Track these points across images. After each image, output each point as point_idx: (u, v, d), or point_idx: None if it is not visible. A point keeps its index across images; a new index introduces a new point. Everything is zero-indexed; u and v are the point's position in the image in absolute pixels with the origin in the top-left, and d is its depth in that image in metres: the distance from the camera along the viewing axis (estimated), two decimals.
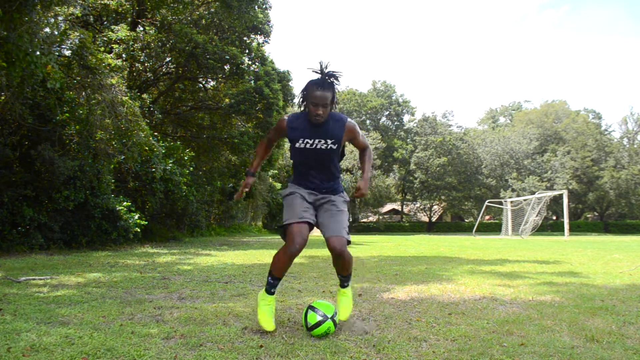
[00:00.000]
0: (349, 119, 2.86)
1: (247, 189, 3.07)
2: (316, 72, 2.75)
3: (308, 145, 2.81)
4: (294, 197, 2.88)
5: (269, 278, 2.83)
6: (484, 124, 59.91)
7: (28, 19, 6.47)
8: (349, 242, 2.82)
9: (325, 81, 2.71)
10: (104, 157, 10.07)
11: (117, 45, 12.73)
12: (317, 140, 2.80)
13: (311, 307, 2.73)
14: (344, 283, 3.05)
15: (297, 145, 2.83)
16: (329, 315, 2.67)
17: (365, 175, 2.94)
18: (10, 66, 6.46)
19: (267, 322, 2.72)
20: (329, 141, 2.80)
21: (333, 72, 2.73)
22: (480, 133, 50.28)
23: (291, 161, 3.00)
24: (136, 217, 10.99)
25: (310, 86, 2.71)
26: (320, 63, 2.74)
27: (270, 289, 2.82)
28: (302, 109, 2.85)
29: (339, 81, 2.76)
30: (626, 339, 2.58)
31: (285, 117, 2.89)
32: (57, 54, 8.72)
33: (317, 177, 2.89)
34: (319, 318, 2.64)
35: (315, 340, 2.54)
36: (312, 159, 2.85)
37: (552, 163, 41.13)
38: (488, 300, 3.85)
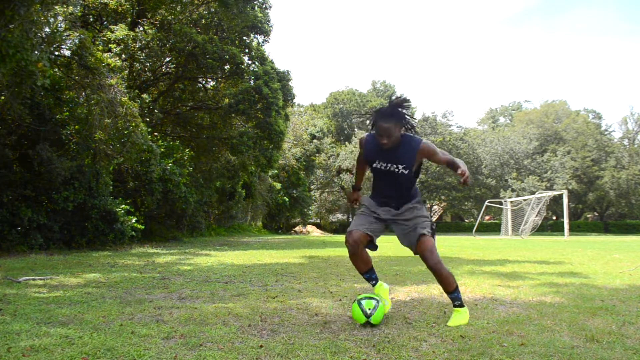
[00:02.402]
0: (423, 142, 2.91)
1: (355, 204, 3.30)
2: (385, 105, 2.87)
3: (382, 167, 2.96)
4: (361, 214, 3.11)
5: (363, 276, 3.22)
6: (484, 124, 59.89)
7: (21, 17, 6.47)
8: (433, 234, 2.98)
9: (389, 112, 2.81)
10: (103, 158, 10.07)
11: (114, 45, 12.71)
12: (389, 164, 2.94)
13: (359, 301, 2.94)
14: (454, 302, 3.02)
15: (374, 165, 3.00)
16: (378, 299, 2.95)
17: (459, 168, 2.85)
18: (0, 62, 6.46)
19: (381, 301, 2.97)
20: (400, 166, 2.92)
21: (399, 102, 2.83)
22: (480, 133, 50.25)
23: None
24: (133, 220, 10.99)
25: (376, 117, 2.83)
26: (394, 93, 2.86)
27: (371, 283, 3.22)
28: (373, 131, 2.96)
29: (406, 111, 2.85)
30: (626, 339, 2.58)
31: (364, 137, 3.04)
32: (50, 52, 8.70)
33: (393, 196, 3.05)
34: (374, 302, 2.90)
35: (315, 340, 2.54)
36: (387, 180, 3.01)
37: (552, 163, 41.12)
38: (488, 300, 3.85)
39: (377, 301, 2.92)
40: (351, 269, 6.27)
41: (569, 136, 42.74)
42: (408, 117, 2.88)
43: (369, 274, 3.18)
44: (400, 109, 2.84)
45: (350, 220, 43.80)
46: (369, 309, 2.87)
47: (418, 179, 3.20)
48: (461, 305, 3.00)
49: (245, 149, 15.79)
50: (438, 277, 2.97)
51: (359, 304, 2.91)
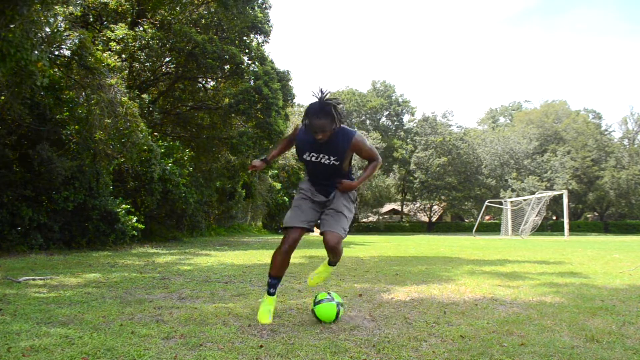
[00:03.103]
0: (356, 134, 2.96)
1: (254, 169, 3.20)
2: (315, 97, 2.82)
3: (313, 159, 2.99)
4: (301, 199, 3.11)
5: (268, 278, 3.09)
6: (484, 124, 59.88)
7: (21, 16, 6.47)
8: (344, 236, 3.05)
9: (322, 109, 2.79)
10: (103, 158, 10.07)
11: (114, 44, 12.71)
12: (321, 155, 2.96)
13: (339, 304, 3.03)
14: (331, 262, 3.31)
15: (303, 156, 3.02)
16: (337, 301, 3.02)
17: (360, 179, 3.10)
18: (0, 61, 6.46)
19: (264, 317, 2.96)
20: (332, 158, 2.95)
21: (330, 100, 2.81)
22: (480, 133, 50.23)
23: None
24: (134, 220, 10.99)
25: (309, 114, 2.81)
26: (320, 90, 2.83)
27: (269, 289, 3.08)
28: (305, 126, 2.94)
29: (335, 109, 2.82)
30: (626, 339, 2.58)
31: (300, 126, 3.03)
32: (50, 52, 8.71)
33: (324, 185, 3.09)
34: (327, 297, 3.00)
35: (315, 340, 2.54)
36: (318, 171, 3.04)
37: (552, 163, 41.10)
38: (488, 300, 3.85)
39: (331, 299, 3.01)
40: (351, 269, 6.27)
41: (569, 136, 42.73)
42: (338, 113, 2.84)
43: (277, 281, 3.08)
44: (329, 105, 2.81)
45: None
46: (319, 299, 3.01)
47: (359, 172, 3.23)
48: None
49: (245, 149, 15.78)
50: (332, 258, 3.19)
51: (319, 303, 3.00)
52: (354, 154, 3.03)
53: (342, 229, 3.01)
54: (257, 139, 16.08)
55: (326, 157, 2.95)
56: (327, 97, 2.82)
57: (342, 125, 2.91)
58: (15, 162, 9.39)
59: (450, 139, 43.74)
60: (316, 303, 3.00)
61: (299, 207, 3.08)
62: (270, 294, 3.06)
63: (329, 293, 3.06)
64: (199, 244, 13.04)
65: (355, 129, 3.04)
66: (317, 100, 2.81)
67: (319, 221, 3.12)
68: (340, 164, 2.98)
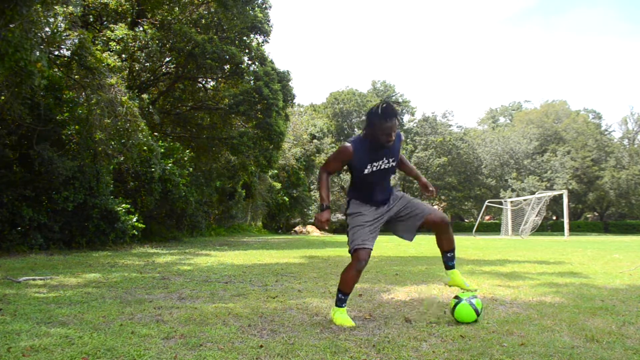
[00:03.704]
0: (401, 133, 3.10)
1: (327, 222, 3.04)
2: (381, 105, 2.89)
3: (374, 169, 3.02)
4: (360, 219, 3.06)
5: (339, 294, 3.05)
6: (484, 124, 59.88)
7: (21, 16, 6.48)
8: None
9: (391, 111, 2.88)
10: (103, 158, 10.07)
11: (114, 44, 12.71)
12: (381, 162, 3.02)
13: (469, 301, 2.99)
14: (449, 263, 3.25)
15: (366, 171, 3.01)
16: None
17: (421, 176, 3.34)
18: (0, 61, 6.47)
19: (347, 321, 2.96)
20: (391, 160, 3.04)
21: (394, 101, 2.99)
22: (480, 133, 50.25)
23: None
24: (134, 219, 10.99)
25: (378, 120, 2.87)
26: (385, 97, 2.93)
27: (341, 304, 3.05)
28: (363, 134, 3.00)
29: (400, 106, 2.97)
30: (626, 339, 2.58)
31: (348, 145, 3.00)
32: (50, 52, 8.70)
33: (381, 193, 3.10)
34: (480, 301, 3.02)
35: (315, 340, 2.54)
36: (378, 179, 3.06)
37: (552, 163, 41.11)
38: (488, 300, 3.85)
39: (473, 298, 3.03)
40: None
41: (569, 136, 42.74)
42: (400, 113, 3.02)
43: (348, 296, 3.10)
44: (393, 105, 2.93)
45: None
46: (479, 307, 2.99)
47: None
48: (454, 267, 3.27)
49: (245, 149, 15.79)
50: (447, 236, 3.16)
51: (471, 304, 2.97)
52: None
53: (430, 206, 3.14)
54: (257, 139, 16.09)
55: (385, 160, 3.02)
56: (390, 101, 2.94)
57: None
58: (15, 162, 9.39)
59: (450, 139, 43.75)
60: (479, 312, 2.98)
61: (363, 226, 3.04)
62: (341, 307, 3.04)
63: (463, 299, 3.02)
64: (199, 244, 13.03)
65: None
66: (384, 104, 2.87)
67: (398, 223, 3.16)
68: (396, 165, 3.10)
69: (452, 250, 3.23)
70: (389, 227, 3.17)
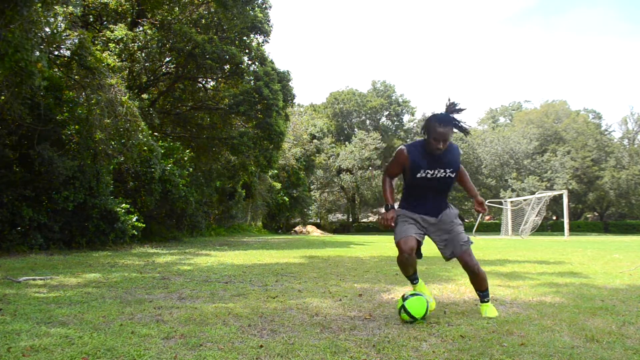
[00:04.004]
0: (459, 147, 3.14)
1: (392, 223, 3.13)
2: (440, 112, 2.91)
3: (429, 175, 3.01)
4: (404, 217, 3.16)
5: (408, 278, 3.36)
6: (484, 124, 59.84)
7: (21, 16, 6.48)
8: (470, 243, 3.15)
9: (446, 118, 2.87)
10: (103, 158, 10.07)
11: (113, 45, 12.71)
12: (436, 171, 3.00)
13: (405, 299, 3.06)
14: (483, 299, 3.26)
15: (418, 175, 3.01)
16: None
17: (475, 191, 3.33)
18: (0, 61, 6.47)
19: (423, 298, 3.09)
20: (448, 170, 3.02)
21: (456, 108, 2.92)
22: (480, 133, 50.23)
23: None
24: (134, 219, 10.99)
25: (433, 122, 2.88)
26: (447, 100, 2.93)
27: (413, 282, 3.39)
28: (421, 137, 3.03)
29: (460, 115, 2.94)
30: (626, 339, 2.58)
31: (404, 148, 3.05)
32: (50, 52, 8.70)
33: (432, 202, 3.11)
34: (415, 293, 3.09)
35: (315, 340, 2.54)
36: (432, 187, 3.06)
37: (552, 163, 41.11)
38: None
39: (420, 294, 3.09)
40: (351, 269, 6.27)
41: (569, 136, 42.73)
42: (463, 122, 2.96)
43: (414, 276, 3.32)
44: (455, 114, 2.93)
45: (351, 220, 43.66)
46: (407, 295, 3.06)
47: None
48: (488, 301, 3.26)
49: (245, 149, 15.78)
50: (475, 278, 3.18)
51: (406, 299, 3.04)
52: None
53: (465, 244, 3.11)
54: (258, 139, 16.09)
55: (442, 170, 3.00)
56: (453, 107, 2.91)
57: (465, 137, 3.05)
58: (16, 162, 9.39)
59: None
60: (405, 298, 3.04)
61: (404, 225, 3.12)
62: (415, 283, 3.35)
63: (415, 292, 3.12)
64: (199, 244, 13.03)
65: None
66: (443, 112, 2.90)
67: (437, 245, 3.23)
68: (455, 177, 3.06)
69: (481, 290, 3.23)
70: (433, 236, 3.23)
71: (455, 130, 2.95)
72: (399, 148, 3.11)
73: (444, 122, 2.87)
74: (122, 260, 7.46)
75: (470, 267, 3.12)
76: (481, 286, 3.21)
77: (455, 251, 3.12)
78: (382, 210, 3.21)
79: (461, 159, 3.18)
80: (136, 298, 3.82)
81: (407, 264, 3.12)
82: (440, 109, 2.97)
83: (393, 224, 3.10)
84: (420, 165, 3.00)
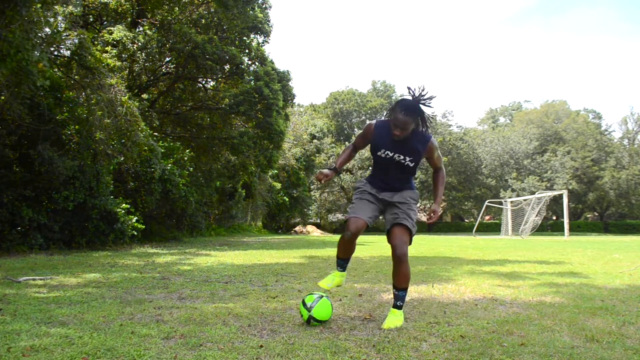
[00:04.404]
0: (432, 138, 2.97)
1: (325, 179, 3.02)
2: (408, 97, 2.81)
3: (387, 156, 2.95)
4: (361, 196, 3.09)
5: (337, 260, 3.24)
6: (484, 124, 59.86)
7: (21, 17, 6.48)
8: (411, 241, 2.97)
9: (411, 107, 2.78)
10: (104, 158, 10.07)
11: (110, 48, 12.70)
12: (396, 154, 2.93)
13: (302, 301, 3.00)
14: (396, 301, 2.98)
15: (378, 153, 2.98)
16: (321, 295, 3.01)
17: (438, 200, 3.09)
18: (1, 62, 6.46)
19: (324, 283, 3.22)
20: (407, 158, 2.94)
21: (424, 98, 2.81)
22: (480, 133, 50.23)
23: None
24: (134, 219, 10.98)
25: (398, 107, 2.80)
26: (417, 87, 2.82)
27: (337, 267, 3.27)
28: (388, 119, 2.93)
29: (429, 108, 2.85)
30: (626, 339, 2.58)
31: (373, 123, 3.02)
32: (50, 52, 8.70)
33: (391, 183, 3.05)
34: (315, 297, 2.98)
35: (315, 340, 2.54)
36: (390, 169, 3.01)
37: (552, 163, 41.10)
38: (488, 300, 3.85)
39: (320, 296, 2.97)
40: (351, 269, 6.27)
41: (569, 136, 42.74)
42: (427, 116, 2.88)
43: (345, 261, 3.23)
44: (422, 106, 2.84)
45: None
46: (310, 302, 2.93)
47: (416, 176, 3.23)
48: (400, 307, 2.97)
49: (246, 149, 15.78)
50: (397, 269, 2.92)
51: (303, 303, 2.98)
52: (425, 159, 3.07)
53: (411, 223, 2.94)
54: (258, 139, 16.08)
55: (401, 156, 2.94)
56: (424, 97, 2.81)
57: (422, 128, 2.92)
58: (16, 162, 9.38)
59: (450, 139, 43.72)
60: (309, 308, 2.90)
61: (360, 200, 3.06)
62: (339, 270, 3.24)
63: (311, 293, 3.03)
64: (199, 244, 13.03)
65: (431, 134, 2.99)
66: (412, 97, 2.81)
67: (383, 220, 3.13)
68: (414, 166, 2.99)
69: (397, 288, 2.97)
70: (386, 212, 3.11)
71: (417, 121, 2.83)
72: (369, 122, 3.08)
73: (406, 110, 2.77)
74: (122, 260, 7.46)
75: (396, 249, 2.86)
76: (401, 282, 2.93)
77: (391, 219, 2.98)
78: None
79: (439, 153, 3.05)
80: (136, 298, 3.82)
81: (349, 243, 3.05)
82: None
83: (323, 181, 3.01)
84: (382, 143, 2.95)
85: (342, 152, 3.21)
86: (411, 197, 3.05)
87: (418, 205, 3.21)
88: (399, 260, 2.89)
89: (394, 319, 2.90)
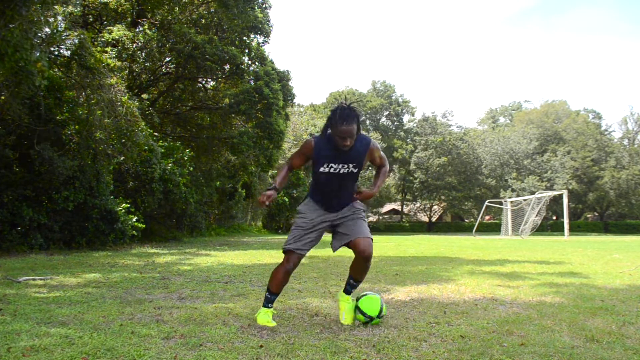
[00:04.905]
0: (372, 141, 2.97)
1: (268, 200, 2.92)
2: (341, 106, 2.80)
3: (332, 170, 2.91)
4: (303, 221, 3.02)
5: (267, 293, 3.02)
6: (484, 124, 59.88)
7: (21, 16, 6.47)
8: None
9: (349, 113, 2.77)
10: (104, 157, 10.07)
11: (110, 48, 12.70)
12: (340, 165, 2.90)
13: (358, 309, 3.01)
14: (350, 289, 3.12)
15: (321, 169, 2.92)
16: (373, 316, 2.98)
17: (375, 186, 3.04)
18: (0, 61, 6.46)
19: (268, 322, 2.91)
20: (351, 165, 2.91)
21: (354, 106, 2.84)
22: (480, 133, 50.24)
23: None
24: (134, 219, 10.98)
25: (336, 121, 2.77)
26: (345, 97, 2.83)
27: (266, 304, 2.99)
28: (327, 134, 2.90)
29: (361, 113, 2.86)
30: (626, 339, 2.58)
31: (312, 140, 2.96)
32: (50, 52, 8.69)
33: (337, 198, 3.01)
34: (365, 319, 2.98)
35: (315, 340, 2.54)
36: (335, 183, 2.96)
37: (552, 163, 41.11)
38: (488, 300, 3.85)
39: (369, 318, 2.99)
40: None
41: (569, 136, 42.74)
42: (361, 116, 2.89)
43: (277, 296, 3.06)
44: (355, 110, 2.81)
45: None
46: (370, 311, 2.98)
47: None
48: (348, 293, 3.12)
49: (245, 148, 15.78)
50: (364, 267, 3.01)
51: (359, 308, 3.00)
52: (369, 161, 3.03)
53: (368, 232, 2.98)
54: (258, 139, 16.09)
55: (345, 165, 2.90)
56: (351, 103, 2.84)
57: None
58: (15, 162, 9.38)
59: (450, 139, 43.73)
60: (359, 298, 3.04)
61: (302, 229, 3.00)
62: (268, 307, 2.99)
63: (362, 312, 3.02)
64: (199, 244, 13.03)
65: (369, 136, 3.00)
66: (343, 106, 2.78)
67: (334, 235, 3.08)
68: (357, 172, 2.95)
69: (359, 281, 3.12)
70: (334, 230, 3.07)
71: (358, 124, 2.81)
72: (307, 139, 3.04)
73: (347, 118, 2.73)
74: (122, 260, 7.45)
75: (366, 253, 2.91)
76: (361, 275, 3.07)
77: (352, 235, 2.94)
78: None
79: (381, 152, 3.03)
80: (136, 298, 3.82)
81: (283, 278, 2.98)
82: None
83: (267, 203, 2.90)
84: (325, 157, 2.89)
85: (279, 173, 3.08)
86: (359, 207, 3.06)
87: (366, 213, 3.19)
88: (367, 260, 2.97)
89: (347, 305, 3.06)
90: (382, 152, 3.07)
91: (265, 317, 2.92)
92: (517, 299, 3.90)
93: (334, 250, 3.07)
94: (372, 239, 2.97)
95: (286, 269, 2.96)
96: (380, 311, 2.96)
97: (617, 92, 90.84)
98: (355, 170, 2.93)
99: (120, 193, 12.08)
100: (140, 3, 14.42)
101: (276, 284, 2.99)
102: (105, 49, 12.62)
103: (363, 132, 2.95)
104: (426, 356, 2.28)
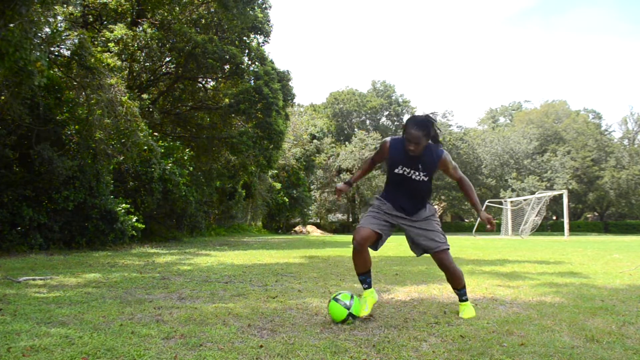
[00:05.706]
0: (444, 152, 3.09)
1: (340, 193, 3.30)
2: (418, 114, 3.01)
3: (406, 173, 3.06)
4: (372, 210, 3.18)
5: (358, 277, 3.23)
6: (484, 124, 59.83)
7: (21, 16, 6.47)
8: (447, 248, 3.15)
9: (421, 121, 2.93)
10: (103, 158, 10.07)
11: (112, 44, 12.70)
12: (412, 171, 3.05)
13: (335, 298, 3.03)
14: (461, 297, 3.26)
15: (395, 170, 3.08)
16: (352, 294, 3.06)
17: (477, 206, 3.23)
18: (0, 61, 6.46)
19: (361, 311, 3.05)
20: (422, 173, 3.05)
21: (432, 116, 3.00)
22: (480, 133, 50.22)
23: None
24: (134, 219, 10.99)
25: (409, 122, 2.95)
26: (432, 112, 3.04)
27: (362, 285, 3.21)
28: (403, 136, 3.05)
29: (433, 127, 2.98)
30: (626, 339, 2.58)
31: (388, 140, 3.12)
32: (50, 52, 8.69)
33: (408, 202, 3.15)
34: (349, 294, 3.04)
35: (315, 340, 2.54)
36: (406, 186, 3.10)
37: (552, 163, 41.11)
38: (488, 300, 3.85)
39: (352, 295, 3.03)
40: (351, 269, 6.27)
41: (569, 136, 42.74)
42: (436, 129, 3.03)
43: (365, 276, 3.20)
44: (429, 121, 2.97)
45: (351, 220, 43.71)
46: (346, 300, 2.98)
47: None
48: (466, 300, 3.25)
49: (245, 148, 15.77)
50: (448, 276, 3.19)
51: (336, 300, 3.00)
52: (442, 172, 3.17)
53: (442, 242, 3.12)
54: (257, 139, 16.08)
55: (416, 173, 3.04)
56: (430, 114, 2.99)
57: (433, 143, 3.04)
58: (15, 162, 9.38)
59: (450, 139, 43.72)
60: (335, 299, 3.04)
61: (371, 216, 3.14)
62: (365, 288, 3.17)
63: (352, 297, 3.04)
64: (199, 244, 13.03)
65: (443, 149, 3.11)
66: (419, 114, 2.97)
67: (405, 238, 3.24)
68: (428, 180, 3.08)
69: (457, 289, 3.23)
70: (407, 232, 3.21)
71: (429, 134, 2.96)
72: (384, 139, 3.20)
73: (417, 125, 2.92)
74: (122, 260, 7.45)
75: (445, 265, 3.12)
76: (457, 284, 3.20)
77: (427, 249, 3.14)
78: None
79: (453, 164, 3.14)
80: (136, 298, 3.82)
81: (358, 255, 3.09)
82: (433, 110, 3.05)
83: (339, 197, 3.26)
84: (398, 161, 3.07)
85: (360, 167, 3.34)
86: (431, 215, 3.19)
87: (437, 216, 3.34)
88: (448, 269, 3.14)
89: (467, 310, 3.17)
90: (455, 165, 3.18)
91: (361, 307, 3.03)
92: (517, 299, 3.90)
93: (417, 256, 3.26)
94: (448, 247, 3.13)
95: (356, 251, 3.07)
96: (347, 318, 2.96)
97: (617, 92, 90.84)
98: (425, 179, 3.07)
99: (120, 193, 12.08)
100: (140, 3, 14.41)
101: (355, 266, 3.16)
102: (107, 45, 12.62)
103: (441, 146, 3.09)
104: (426, 356, 2.28)
